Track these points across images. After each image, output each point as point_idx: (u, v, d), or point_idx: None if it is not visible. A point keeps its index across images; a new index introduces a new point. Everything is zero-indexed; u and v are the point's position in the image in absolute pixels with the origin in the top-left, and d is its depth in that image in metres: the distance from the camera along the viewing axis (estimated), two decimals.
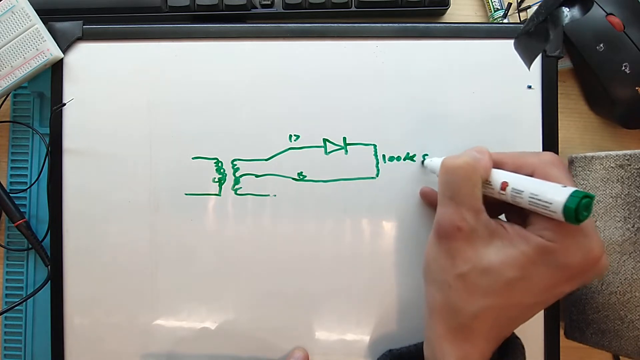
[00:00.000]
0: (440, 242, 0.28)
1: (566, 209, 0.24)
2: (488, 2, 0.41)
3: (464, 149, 0.30)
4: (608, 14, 0.38)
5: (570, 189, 0.24)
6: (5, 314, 0.41)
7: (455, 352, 0.27)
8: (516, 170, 0.28)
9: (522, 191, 0.26)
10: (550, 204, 0.25)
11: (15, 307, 0.39)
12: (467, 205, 0.27)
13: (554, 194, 0.25)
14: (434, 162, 0.34)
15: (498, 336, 0.28)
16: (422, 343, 0.31)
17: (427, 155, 0.37)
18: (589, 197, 0.24)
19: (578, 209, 0.24)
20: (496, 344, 0.28)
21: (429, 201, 0.36)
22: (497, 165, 0.29)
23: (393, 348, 0.34)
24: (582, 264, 0.25)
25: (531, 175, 0.27)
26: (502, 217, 0.31)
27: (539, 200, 0.25)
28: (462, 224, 0.27)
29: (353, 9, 0.40)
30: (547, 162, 0.27)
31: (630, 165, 0.35)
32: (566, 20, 0.39)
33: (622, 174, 0.35)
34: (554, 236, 0.25)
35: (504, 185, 0.27)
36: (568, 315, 0.38)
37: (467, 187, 0.27)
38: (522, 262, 0.26)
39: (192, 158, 0.37)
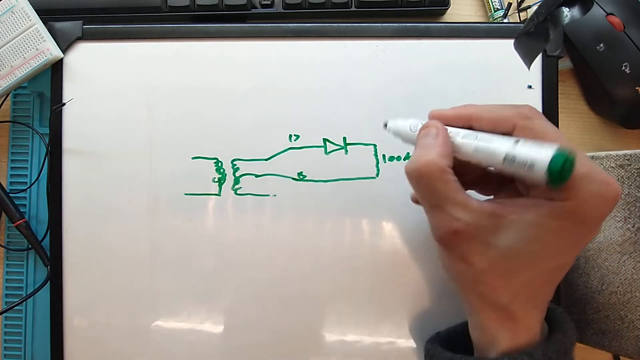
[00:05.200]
0: (447, 249, 0.27)
1: (551, 172, 0.22)
2: (488, 2, 0.41)
3: None
4: (608, 14, 0.38)
5: (550, 150, 0.22)
6: (5, 314, 0.41)
7: (503, 334, 0.27)
8: (493, 126, 0.26)
9: (495, 153, 0.24)
10: (531, 169, 0.23)
11: (15, 307, 0.39)
12: (451, 204, 0.25)
13: (534, 156, 0.23)
14: (398, 125, 0.31)
15: (539, 304, 0.27)
16: (466, 322, 0.31)
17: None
18: (571, 156, 0.22)
19: (563, 171, 0.22)
20: (540, 311, 0.27)
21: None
22: (472, 120, 0.27)
23: (440, 330, 0.34)
24: (606, 208, 0.24)
25: (511, 132, 0.26)
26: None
27: (518, 166, 0.23)
28: (457, 225, 0.25)
29: (353, 9, 0.40)
30: (527, 115, 0.26)
31: (630, 165, 0.35)
32: (566, 20, 0.39)
33: (622, 174, 0.35)
34: (566, 194, 0.24)
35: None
36: None
37: (440, 187, 0.26)
38: (541, 232, 0.24)
39: (192, 158, 0.37)
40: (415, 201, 0.33)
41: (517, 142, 0.24)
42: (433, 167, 0.26)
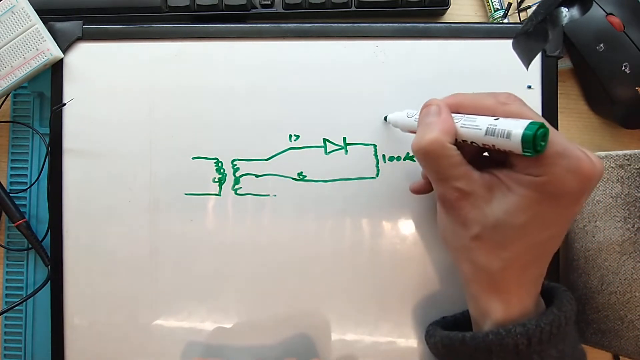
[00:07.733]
0: (448, 212, 0.29)
1: (524, 140, 0.24)
2: (488, 2, 0.41)
3: None
4: (608, 14, 0.38)
5: (525, 122, 0.25)
6: (5, 314, 0.41)
7: (497, 305, 0.28)
8: (475, 113, 0.28)
9: (479, 128, 0.27)
10: (509, 138, 0.25)
11: (15, 307, 0.39)
12: (455, 176, 0.28)
13: (511, 127, 0.25)
14: (396, 116, 0.34)
15: (532, 278, 0.29)
16: (467, 310, 0.32)
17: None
18: (544, 127, 0.24)
19: (535, 139, 0.24)
20: (533, 285, 0.29)
21: (419, 191, 0.36)
22: (459, 108, 0.29)
23: (446, 315, 0.36)
24: (579, 184, 0.25)
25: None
26: None
27: (498, 137, 0.25)
28: (459, 194, 0.28)
29: (353, 9, 0.40)
30: (505, 102, 0.27)
31: (630, 165, 0.35)
32: (566, 20, 0.39)
33: (622, 174, 0.35)
34: (540, 170, 0.25)
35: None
36: None
37: (445, 162, 0.28)
38: (525, 205, 0.26)
39: (192, 158, 0.37)
40: (416, 190, 0.36)
41: (497, 118, 0.26)
42: (437, 145, 0.27)
